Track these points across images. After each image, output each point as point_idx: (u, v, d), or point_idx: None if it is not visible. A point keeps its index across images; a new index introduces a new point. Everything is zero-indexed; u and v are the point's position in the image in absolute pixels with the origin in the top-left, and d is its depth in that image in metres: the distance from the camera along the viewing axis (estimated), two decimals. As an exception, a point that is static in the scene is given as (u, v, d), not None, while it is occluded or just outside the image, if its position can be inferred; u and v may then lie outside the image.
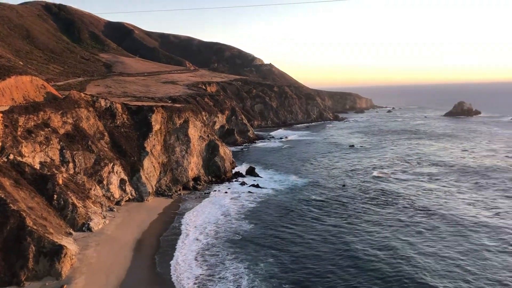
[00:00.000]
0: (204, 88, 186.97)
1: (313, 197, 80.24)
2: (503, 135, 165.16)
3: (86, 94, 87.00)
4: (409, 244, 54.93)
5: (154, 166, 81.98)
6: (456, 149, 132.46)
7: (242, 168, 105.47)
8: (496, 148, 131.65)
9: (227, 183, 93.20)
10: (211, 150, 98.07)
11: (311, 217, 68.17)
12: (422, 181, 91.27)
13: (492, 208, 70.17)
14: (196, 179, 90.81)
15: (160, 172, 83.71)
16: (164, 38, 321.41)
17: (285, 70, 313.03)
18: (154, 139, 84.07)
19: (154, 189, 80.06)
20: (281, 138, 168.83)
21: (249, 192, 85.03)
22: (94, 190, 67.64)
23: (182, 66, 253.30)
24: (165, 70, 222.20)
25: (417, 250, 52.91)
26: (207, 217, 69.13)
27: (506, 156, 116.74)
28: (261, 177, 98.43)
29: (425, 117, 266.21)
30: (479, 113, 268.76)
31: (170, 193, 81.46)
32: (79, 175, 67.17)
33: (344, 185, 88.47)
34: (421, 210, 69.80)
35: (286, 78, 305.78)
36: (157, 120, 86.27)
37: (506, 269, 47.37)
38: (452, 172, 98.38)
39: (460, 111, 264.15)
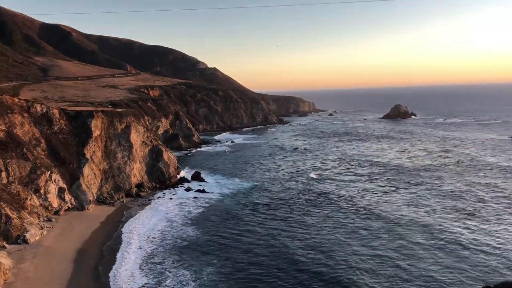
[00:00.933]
0: (147, 92, 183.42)
1: (259, 200, 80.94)
2: (437, 136, 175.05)
3: (20, 99, 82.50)
4: (348, 245, 56.59)
5: (94, 173, 79.25)
6: (393, 150, 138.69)
7: (187, 174, 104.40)
8: (429, 149, 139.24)
9: (172, 189, 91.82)
10: (154, 156, 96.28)
11: (256, 221, 68.68)
12: (362, 181, 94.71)
13: (426, 207, 74.07)
14: (140, 185, 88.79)
15: (101, 180, 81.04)
16: (104, 41, 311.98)
17: (230, 74, 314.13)
18: (94, 145, 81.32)
19: (95, 197, 77.39)
20: (227, 142, 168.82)
21: (194, 197, 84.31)
22: (30, 200, 64.23)
23: (123, 70, 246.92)
24: (105, 74, 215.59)
25: (355, 250, 54.65)
26: (152, 224, 67.79)
27: (439, 156, 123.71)
28: (207, 182, 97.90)
29: (365, 119, 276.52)
30: (415, 115, 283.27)
31: (113, 201, 79.07)
32: (13, 184, 63.53)
33: (288, 188, 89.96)
34: (360, 211, 72.40)
35: (231, 82, 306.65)
36: (97, 126, 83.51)
37: (437, 264, 50.02)
38: (390, 173, 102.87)
39: (397, 114, 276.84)
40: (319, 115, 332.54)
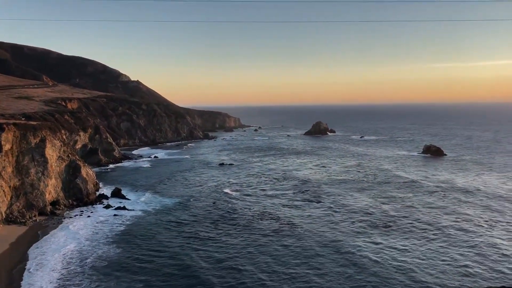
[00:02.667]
0: (64, 104, 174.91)
1: (181, 217, 79.83)
2: (353, 152, 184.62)
3: None
4: (265, 262, 56.67)
5: (4, 191, 73.69)
6: (313, 165, 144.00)
7: (107, 190, 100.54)
8: (346, 164, 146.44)
9: (90, 206, 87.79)
10: (71, 172, 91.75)
11: (178, 240, 67.35)
12: (283, 196, 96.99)
13: (340, 221, 77.45)
14: (55, 203, 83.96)
15: (11, 197, 75.53)
16: (17, 50, 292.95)
17: (154, 88, 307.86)
18: (4, 160, 75.81)
19: (4, 216, 71.87)
20: (149, 157, 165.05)
21: (114, 215, 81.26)
22: None
23: (39, 80, 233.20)
24: (18, 84, 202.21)
25: (270, 267, 54.80)
26: (67, 244, 64.25)
27: (356, 171, 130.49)
28: (128, 199, 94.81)
29: (288, 135, 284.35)
30: (334, 132, 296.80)
31: (24, 220, 73.86)
32: None
33: (212, 204, 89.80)
34: (279, 226, 73.87)
35: (155, 96, 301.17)
36: (8, 139, 78.01)
37: (349, 279, 51.86)
38: (309, 187, 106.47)
39: (318, 130, 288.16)
40: (245, 131, 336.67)
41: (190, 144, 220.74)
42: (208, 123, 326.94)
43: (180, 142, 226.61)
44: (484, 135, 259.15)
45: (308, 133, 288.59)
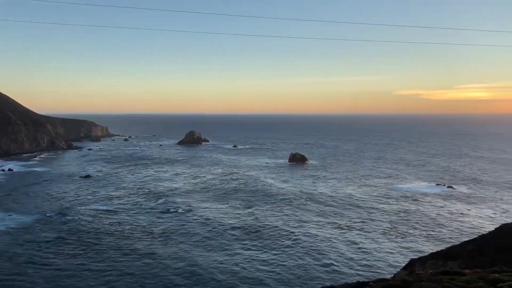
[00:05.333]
0: None
1: (40, 237, 72.49)
2: (226, 160, 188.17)
3: None
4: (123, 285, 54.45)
5: None
6: (187, 175, 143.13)
7: None
8: (219, 172, 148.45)
9: None
10: None
11: (35, 264, 60.25)
12: (151, 210, 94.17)
13: (207, 233, 78.04)
14: None
15: None
16: None
17: (10, 93, 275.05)
18: None
19: None
20: (2, 171, 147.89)
21: (-44, 238, 70.62)
22: None
23: None
24: None
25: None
26: None
27: (227, 180, 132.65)
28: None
29: (160, 145, 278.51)
30: (207, 141, 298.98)
31: None
32: None
33: (76, 219, 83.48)
34: (143, 244, 71.84)
35: (10, 102, 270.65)
36: None
37: None
38: (178, 198, 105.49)
39: (191, 140, 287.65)
40: (113, 140, 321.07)
41: (51, 155, 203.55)
42: (72, 132, 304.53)
43: (39, 153, 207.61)
44: (345, 145, 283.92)
45: (181, 143, 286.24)
